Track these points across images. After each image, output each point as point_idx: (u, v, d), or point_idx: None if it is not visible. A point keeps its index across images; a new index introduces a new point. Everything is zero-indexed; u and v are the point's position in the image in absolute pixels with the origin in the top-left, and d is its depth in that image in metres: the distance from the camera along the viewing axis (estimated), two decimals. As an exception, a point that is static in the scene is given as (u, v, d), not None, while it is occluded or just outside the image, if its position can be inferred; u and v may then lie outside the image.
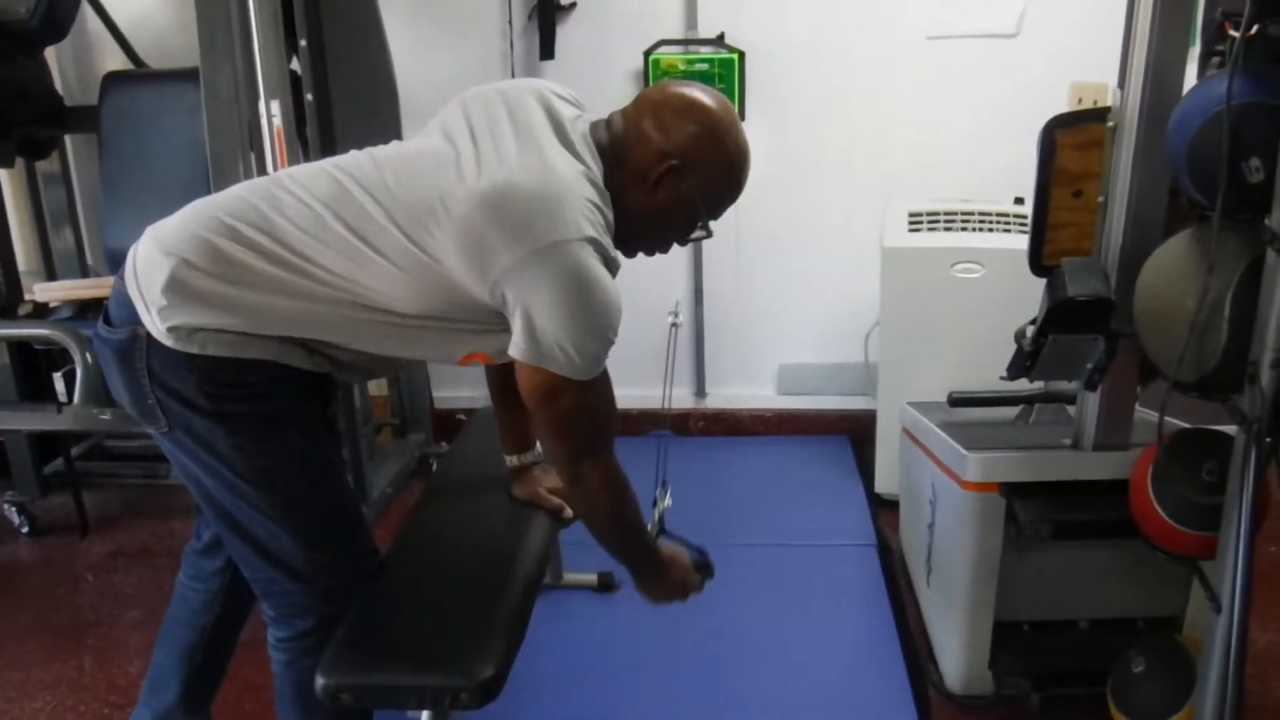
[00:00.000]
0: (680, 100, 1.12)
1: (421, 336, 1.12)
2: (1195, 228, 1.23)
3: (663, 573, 1.29)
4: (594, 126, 1.15)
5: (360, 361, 1.17)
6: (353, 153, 1.17)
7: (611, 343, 1.07)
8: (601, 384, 1.10)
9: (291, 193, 1.10)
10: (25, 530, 2.33)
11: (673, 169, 1.11)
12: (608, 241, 1.07)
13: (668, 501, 1.41)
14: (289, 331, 1.10)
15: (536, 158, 1.06)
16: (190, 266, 1.07)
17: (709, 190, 1.14)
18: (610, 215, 1.10)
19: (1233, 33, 1.12)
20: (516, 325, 1.04)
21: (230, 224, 1.09)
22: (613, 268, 1.08)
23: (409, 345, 1.14)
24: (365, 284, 1.08)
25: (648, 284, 2.65)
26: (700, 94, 1.13)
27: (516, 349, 1.05)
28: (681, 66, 2.47)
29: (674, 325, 1.93)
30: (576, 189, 1.05)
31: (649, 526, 1.31)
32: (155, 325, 1.07)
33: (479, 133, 1.10)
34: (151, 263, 1.09)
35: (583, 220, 1.03)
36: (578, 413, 1.09)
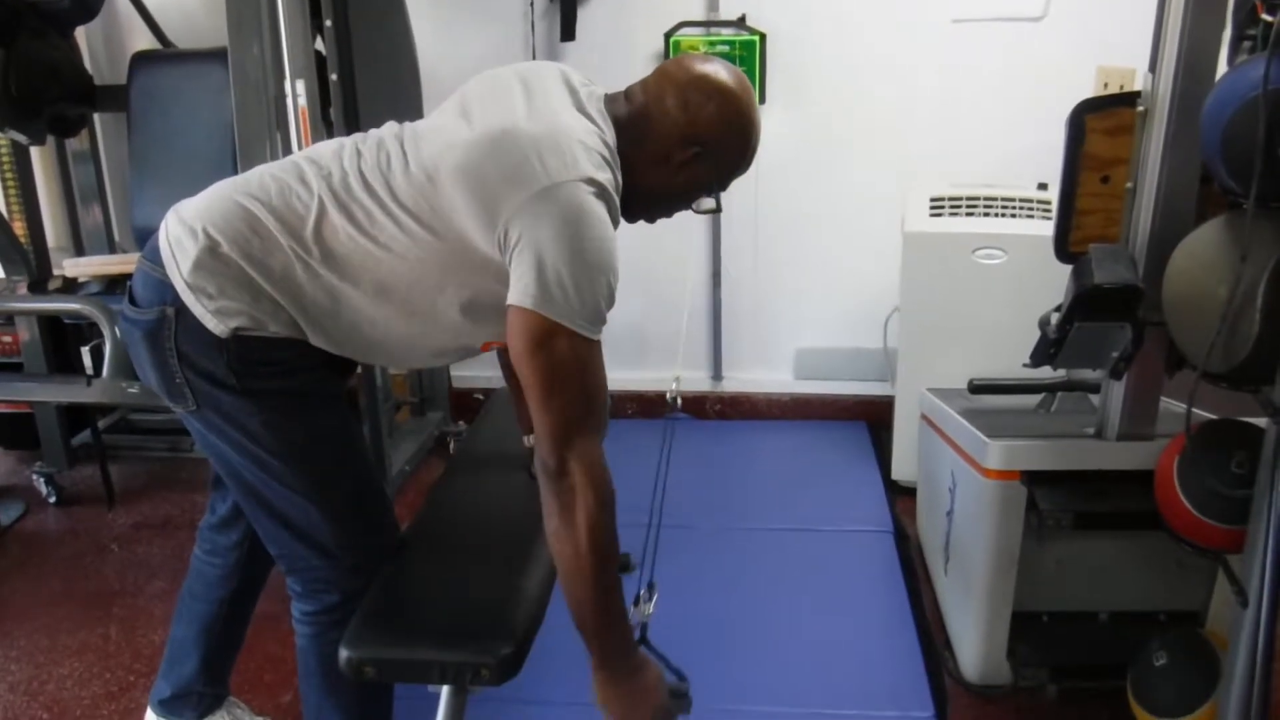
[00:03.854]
0: (705, 82, 1.13)
1: (437, 319, 1.13)
2: (1228, 215, 1.21)
3: (630, 662, 1.08)
4: (610, 98, 1.17)
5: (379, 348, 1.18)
6: (370, 131, 1.18)
7: (611, 292, 1.02)
8: (597, 351, 1.03)
9: (316, 165, 1.12)
10: (53, 500, 2.38)
11: (699, 154, 1.14)
12: (613, 192, 1.06)
13: (651, 608, 1.16)
14: (309, 320, 1.11)
15: (537, 106, 1.08)
16: (217, 245, 1.08)
17: (725, 168, 1.18)
18: (619, 177, 1.10)
19: (1266, 16, 1.09)
20: (515, 270, 1.00)
21: (252, 194, 1.10)
22: (614, 218, 1.06)
23: (424, 327, 1.14)
24: (383, 261, 1.08)
25: (663, 268, 2.65)
26: (723, 73, 1.15)
27: (514, 293, 1.00)
28: (702, 49, 2.45)
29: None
30: (580, 135, 1.05)
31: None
32: (194, 304, 1.08)
33: (490, 101, 1.11)
34: (179, 243, 1.10)
35: (584, 161, 1.03)
36: (571, 365, 0.99)
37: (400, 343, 1.17)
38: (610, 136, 1.11)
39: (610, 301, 1.03)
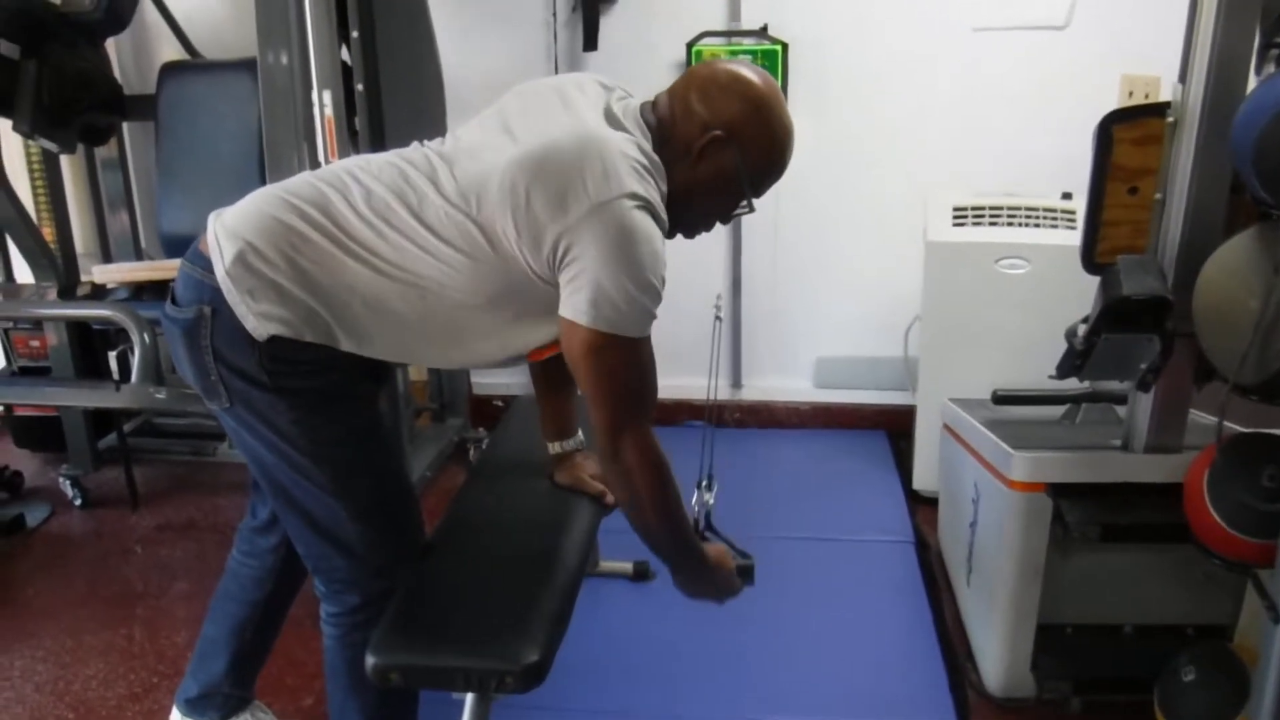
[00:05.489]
0: (725, 75, 1.15)
1: (485, 328, 1.14)
2: (1260, 226, 1.20)
3: (703, 569, 1.26)
4: (642, 107, 1.18)
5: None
6: (414, 145, 1.19)
7: (658, 297, 1.08)
8: (645, 347, 1.10)
9: (359, 180, 1.13)
10: (78, 503, 2.41)
11: (716, 139, 1.13)
12: (657, 201, 1.08)
13: (711, 498, 1.36)
14: (345, 326, 1.12)
15: (576, 120, 1.10)
16: (256, 249, 1.09)
17: (752, 164, 1.15)
18: (663, 185, 1.11)
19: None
20: (566, 286, 1.06)
21: (295, 203, 1.12)
22: (661, 227, 1.08)
23: (469, 337, 1.15)
24: (425, 273, 1.10)
25: (687, 274, 2.63)
26: (745, 70, 1.15)
27: (566, 308, 1.06)
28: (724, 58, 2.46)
29: (717, 319, 1.93)
30: (618, 147, 1.07)
31: (691, 521, 1.26)
32: (236, 305, 1.09)
33: (530, 115, 1.13)
34: (220, 246, 1.11)
35: (626, 177, 1.04)
36: (621, 370, 1.09)
37: (441, 349, 1.18)
38: (647, 145, 1.12)
39: (658, 303, 1.08)
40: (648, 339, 1.10)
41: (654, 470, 1.13)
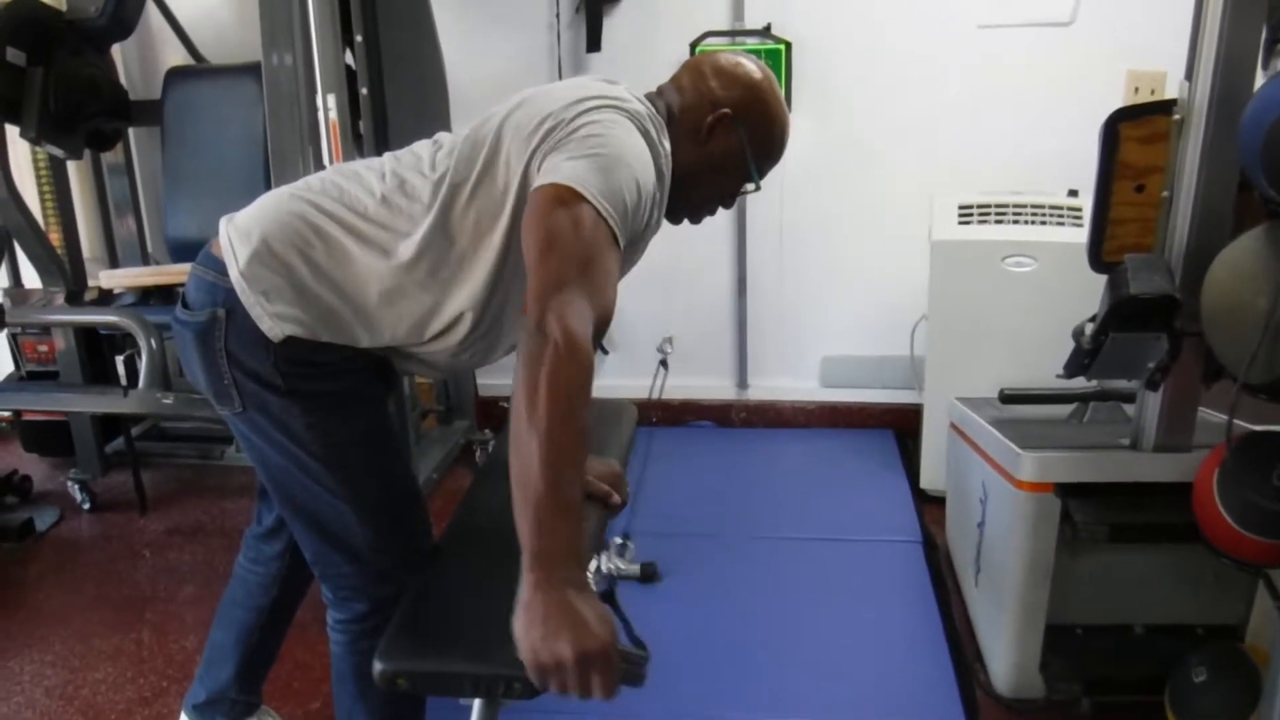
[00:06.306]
0: (728, 61, 1.22)
1: (496, 302, 1.12)
2: (1269, 224, 1.19)
3: (573, 574, 0.87)
4: (646, 95, 1.21)
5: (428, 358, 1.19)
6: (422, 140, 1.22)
7: (638, 202, 1.01)
8: (610, 244, 0.96)
9: (371, 167, 1.15)
10: (87, 506, 2.42)
11: (726, 116, 1.17)
12: (655, 137, 1.10)
13: (624, 563, 1.01)
14: (365, 320, 1.12)
15: (577, 81, 1.16)
16: (271, 249, 1.09)
17: (756, 143, 1.21)
18: (667, 145, 1.14)
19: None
20: (545, 163, 1.02)
21: (307, 197, 1.13)
22: (655, 157, 1.08)
23: (497, 315, 1.13)
24: (437, 241, 1.09)
25: (690, 276, 2.66)
26: (743, 58, 1.22)
27: (538, 179, 1.00)
28: (729, 58, 2.47)
29: (662, 365, 1.82)
30: (622, 91, 1.12)
31: (589, 577, 0.91)
32: (251, 307, 1.09)
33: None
34: (233, 248, 1.11)
35: (619, 95, 1.09)
36: (576, 230, 0.92)
37: (467, 335, 1.15)
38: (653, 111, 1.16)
39: (635, 202, 1.01)
40: (615, 242, 0.97)
41: (574, 349, 0.87)
